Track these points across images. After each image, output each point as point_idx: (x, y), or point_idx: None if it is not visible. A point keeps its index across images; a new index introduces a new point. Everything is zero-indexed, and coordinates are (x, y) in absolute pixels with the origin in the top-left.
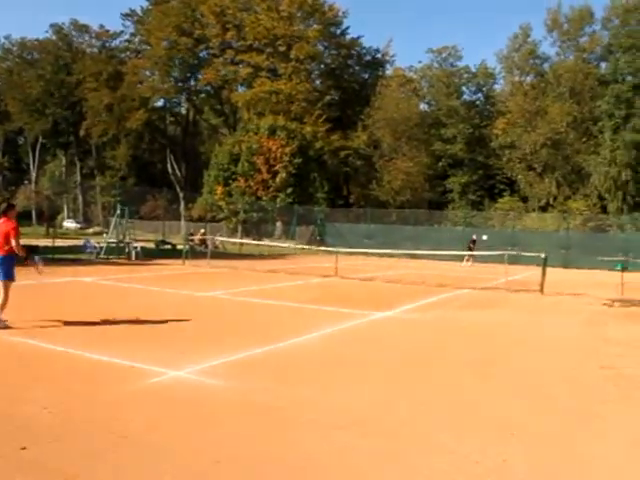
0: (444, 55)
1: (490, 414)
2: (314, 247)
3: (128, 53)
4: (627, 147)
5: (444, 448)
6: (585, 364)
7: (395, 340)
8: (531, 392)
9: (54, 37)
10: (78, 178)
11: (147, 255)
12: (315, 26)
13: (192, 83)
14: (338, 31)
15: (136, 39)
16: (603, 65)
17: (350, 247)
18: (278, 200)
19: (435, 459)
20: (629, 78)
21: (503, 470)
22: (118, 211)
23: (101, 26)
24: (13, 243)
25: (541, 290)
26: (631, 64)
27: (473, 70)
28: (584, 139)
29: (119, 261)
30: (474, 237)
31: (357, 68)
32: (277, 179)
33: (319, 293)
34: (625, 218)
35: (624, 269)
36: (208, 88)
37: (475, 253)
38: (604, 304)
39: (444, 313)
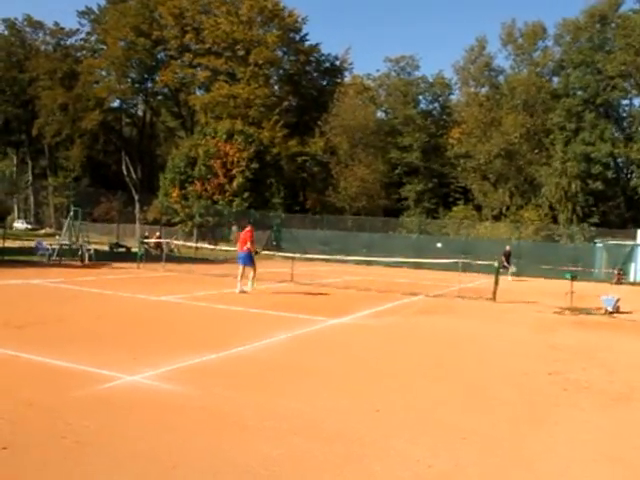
0: (402, 64)
1: (442, 418)
2: (270, 252)
3: (84, 52)
4: (577, 159)
5: (398, 452)
6: (534, 369)
7: (350, 346)
8: (482, 397)
9: (6, 32)
10: (30, 178)
11: (101, 258)
12: (274, 31)
13: (149, 85)
14: (297, 37)
15: (92, 38)
16: (555, 79)
17: (306, 253)
18: (234, 204)
19: (389, 464)
20: (579, 93)
21: (456, 474)
22: (71, 212)
23: (56, 23)
24: None
25: (493, 298)
26: (581, 79)
27: (430, 80)
28: (536, 150)
29: (72, 264)
30: (508, 248)
31: (315, 74)
32: (234, 183)
33: (275, 299)
34: (574, 228)
35: (573, 278)
36: (165, 90)
37: (434, 261)
38: (554, 312)
39: (398, 319)
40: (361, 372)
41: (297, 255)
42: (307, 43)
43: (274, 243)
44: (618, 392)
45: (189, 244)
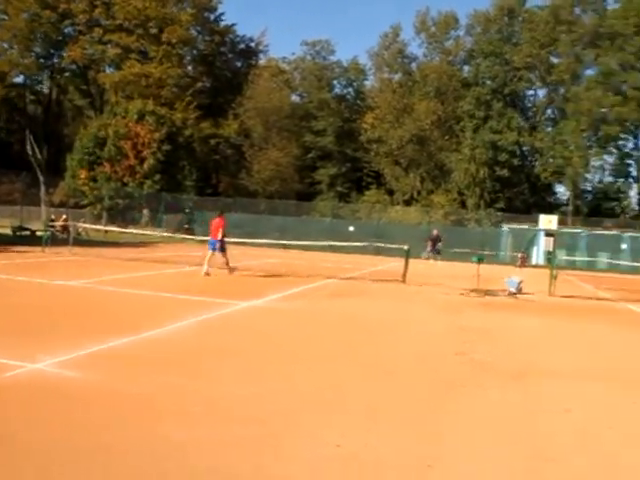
0: (317, 48)
1: (351, 399)
2: (182, 236)
3: None
4: (485, 146)
5: (308, 434)
6: (441, 350)
7: (262, 329)
8: (391, 377)
9: None
10: None
11: (3, 242)
12: (189, 10)
13: (56, 60)
14: (212, 17)
15: None
16: (466, 68)
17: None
18: (145, 187)
19: (299, 445)
20: (489, 82)
21: (364, 453)
22: None
23: None
24: None
25: (403, 280)
26: (491, 69)
27: (345, 65)
28: (447, 137)
29: None
30: (435, 232)
31: (230, 56)
32: (145, 165)
33: (186, 282)
34: (482, 213)
35: (480, 261)
36: (73, 67)
37: (346, 244)
38: (461, 294)
39: (310, 302)
40: (272, 355)
41: (209, 238)
42: (222, 23)
43: (186, 226)
44: (517, 370)
45: (98, 227)
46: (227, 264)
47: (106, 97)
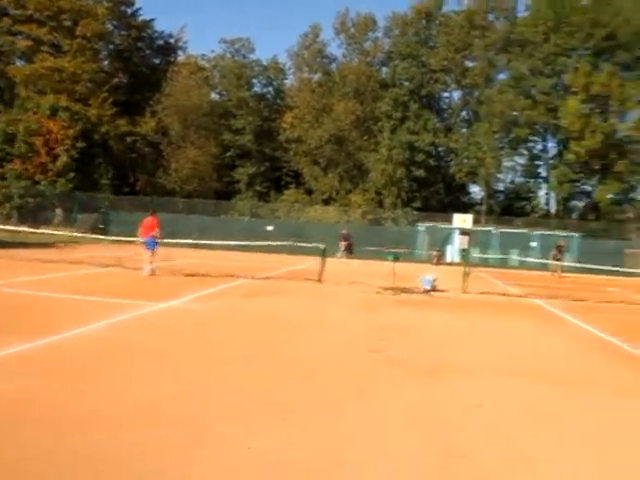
0: (237, 46)
1: (264, 400)
2: (97, 236)
3: None
4: (402, 147)
5: (217, 436)
6: (356, 348)
7: (178, 330)
8: (305, 377)
9: None
10: None
11: None
12: (104, 3)
13: None
14: (129, 11)
15: None
16: (384, 70)
17: (135, 236)
18: (58, 185)
19: (208, 447)
20: (406, 84)
21: (273, 453)
22: None
23: None
24: None
25: (320, 279)
26: (408, 71)
27: (264, 64)
28: (365, 137)
29: None
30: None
31: (148, 52)
32: (58, 163)
33: (100, 284)
34: (399, 212)
35: (396, 259)
36: None
37: (264, 244)
38: (377, 292)
39: (227, 302)
40: (187, 356)
41: (125, 238)
42: (140, 18)
43: (101, 226)
44: (432, 367)
45: (7, 227)
46: (150, 263)
47: (16, 91)
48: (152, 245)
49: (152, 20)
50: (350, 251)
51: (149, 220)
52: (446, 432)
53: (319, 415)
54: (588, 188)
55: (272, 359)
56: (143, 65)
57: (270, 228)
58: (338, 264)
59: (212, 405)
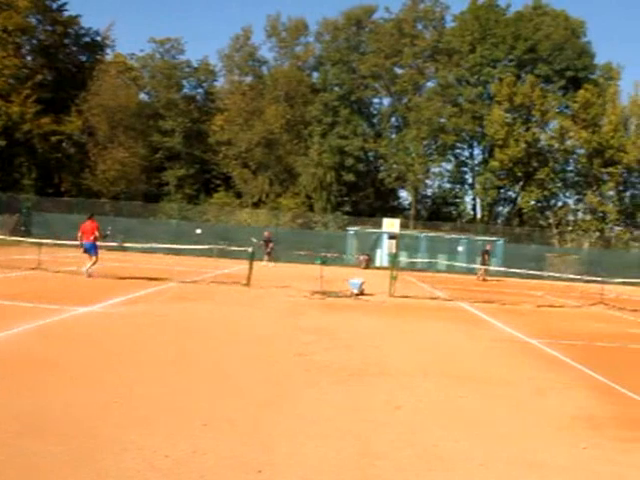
0: (167, 46)
1: (184, 407)
2: (18, 238)
3: None
4: (332, 151)
5: (135, 445)
6: (281, 353)
7: (96, 336)
8: (227, 383)
9: None
10: None
11: None
12: None
13: None
14: (54, 5)
15: None
16: (315, 74)
17: (59, 239)
18: None
19: (125, 457)
20: (336, 89)
21: (192, 461)
22: None
23: None
24: None
25: (248, 283)
26: (338, 76)
27: (195, 65)
28: (296, 141)
29: None
30: (266, 234)
31: (74, 49)
32: None
33: (19, 288)
34: (329, 216)
35: (324, 263)
36: None
37: (191, 247)
38: (304, 296)
39: (150, 306)
40: (103, 363)
41: (48, 241)
42: (66, 14)
43: (22, 228)
44: (355, 370)
45: None
46: (93, 265)
47: None
48: (93, 249)
49: (79, 16)
50: (270, 254)
51: (87, 224)
52: (365, 434)
53: (240, 421)
54: (512, 194)
55: (194, 364)
56: (69, 62)
57: (199, 231)
58: (265, 268)
59: (128, 412)
